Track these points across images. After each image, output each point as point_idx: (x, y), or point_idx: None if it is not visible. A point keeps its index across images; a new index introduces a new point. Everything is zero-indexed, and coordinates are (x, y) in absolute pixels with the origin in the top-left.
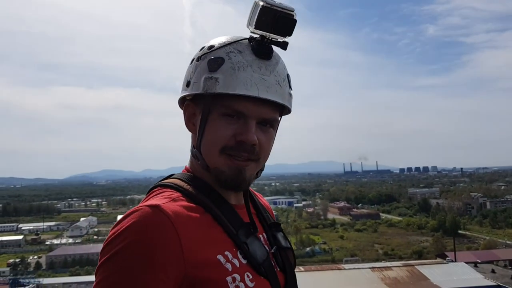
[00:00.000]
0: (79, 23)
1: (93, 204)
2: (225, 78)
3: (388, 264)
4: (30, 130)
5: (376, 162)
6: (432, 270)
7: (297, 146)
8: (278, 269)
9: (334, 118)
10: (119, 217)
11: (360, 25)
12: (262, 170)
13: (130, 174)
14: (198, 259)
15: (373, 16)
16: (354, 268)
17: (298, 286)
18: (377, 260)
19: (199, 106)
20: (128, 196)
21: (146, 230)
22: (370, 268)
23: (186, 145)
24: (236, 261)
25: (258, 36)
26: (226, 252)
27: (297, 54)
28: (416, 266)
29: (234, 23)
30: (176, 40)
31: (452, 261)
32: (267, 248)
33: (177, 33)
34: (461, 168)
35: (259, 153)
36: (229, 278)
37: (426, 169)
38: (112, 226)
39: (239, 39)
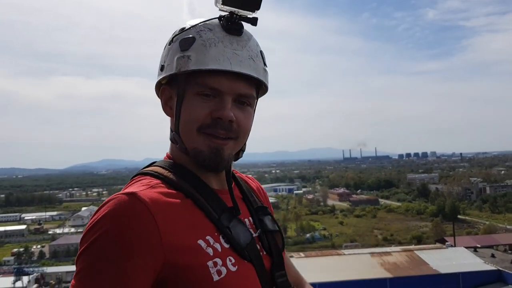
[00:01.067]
0: (78, 12)
1: (94, 194)
2: (197, 55)
3: (387, 249)
4: (30, 120)
5: (375, 148)
6: (431, 255)
7: (297, 133)
8: (264, 253)
9: (333, 105)
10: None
11: (359, 10)
12: (243, 151)
13: (131, 163)
14: (177, 244)
15: (372, 0)
16: (353, 254)
17: (299, 271)
18: (376, 246)
19: (174, 89)
20: None
21: (122, 218)
22: (369, 253)
23: None
24: (218, 246)
25: (227, 13)
26: (208, 237)
27: (297, 42)
28: (415, 251)
29: None
30: (175, 28)
31: (451, 246)
32: (252, 231)
33: (176, 21)
34: (461, 153)
35: (238, 131)
36: (210, 263)
37: (425, 154)
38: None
39: (209, 19)
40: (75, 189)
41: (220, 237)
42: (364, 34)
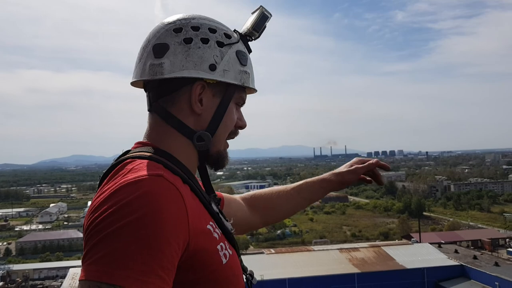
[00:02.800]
0: (47, 5)
1: (63, 190)
2: (251, 74)
3: (355, 245)
4: None
5: (345, 146)
6: (397, 251)
7: (269, 131)
8: None
9: (305, 103)
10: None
11: (331, 10)
12: None
13: (101, 159)
14: (198, 228)
15: (344, 1)
16: (323, 250)
17: (271, 267)
18: (345, 242)
19: (218, 92)
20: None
21: (160, 200)
22: (338, 249)
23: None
24: (218, 231)
25: (249, 36)
26: (211, 222)
27: (271, 40)
28: (382, 247)
29: (205, 5)
30: (147, 23)
31: (417, 242)
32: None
33: (148, 16)
34: (427, 152)
35: None
36: (218, 247)
37: (392, 153)
38: (99, 200)
39: (234, 34)
40: (43, 185)
41: (215, 223)
42: (336, 34)
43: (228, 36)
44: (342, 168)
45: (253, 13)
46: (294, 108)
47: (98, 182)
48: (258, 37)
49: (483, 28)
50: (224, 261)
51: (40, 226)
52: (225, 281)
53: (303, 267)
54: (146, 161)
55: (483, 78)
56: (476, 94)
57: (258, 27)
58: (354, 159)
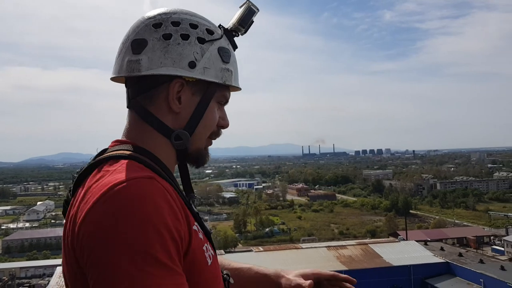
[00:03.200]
0: (36, 1)
1: (50, 188)
2: (234, 72)
3: (343, 243)
4: None
5: (333, 145)
6: (384, 248)
7: (258, 129)
8: None
9: (294, 102)
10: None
11: (320, 9)
12: None
13: (89, 157)
14: (188, 229)
15: (333, 0)
16: (311, 247)
17: (259, 265)
18: (332, 239)
19: (198, 90)
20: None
21: (157, 203)
22: (326, 247)
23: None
24: (201, 231)
25: (235, 31)
26: (196, 223)
27: (260, 38)
28: (369, 245)
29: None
30: (135, 20)
31: (403, 239)
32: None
33: (137, 13)
34: (413, 151)
35: None
36: (204, 247)
37: (380, 151)
38: (90, 207)
39: (218, 29)
40: (30, 183)
41: (198, 224)
42: (325, 33)
43: (210, 32)
44: (290, 275)
45: (240, 7)
46: (283, 106)
47: (72, 183)
48: (245, 32)
49: (469, 28)
50: (209, 262)
51: (27, 224)
52: (208, 282)
53: (291, 265)
54: (131, 161)
55: (469, 78)
56: (463, 94)
57: (244, 22)
58: (312, 272)
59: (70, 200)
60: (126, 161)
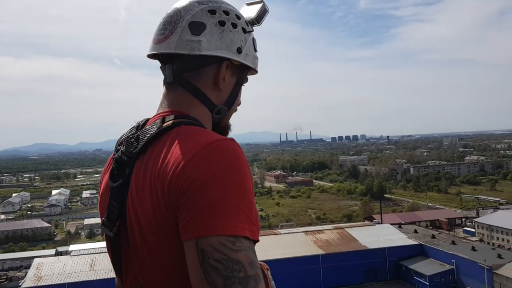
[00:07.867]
0: None
1: (25, 179)
2: (257, 58)
3: (320, 227)
4: None
5: (310, 131)
6: (360, 232)
7: (235, 117)
8: None
9: (271, 89)
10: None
11: None
12: None
13: (64, 147)
14: None
15: None
16: (289, 233)
17: None
18: (310, 225)
19: (235, 72)
20: (63, 170)
21: (245, 162)
22: (304, 232)
23: (121, 118)
24: None
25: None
26: None
27: None
28: (346, 229)
29: None
30: (111, 8)
31: (378, 223)
32: None
33: (112, 1)
34: (388, 136)
35: None
36: None
37: (355, 137)
38: (190, 158)
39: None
40: (5, 174)
41: None
42: (301, 21)
43: (247, 24)
44: None
45: (248, 4)
46: (260, 94)
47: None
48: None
49: (442, 15)
50: None
51: (3, 217)
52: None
53: (270, 251)
54: (201, 128)
55: (441, 64)
56: (435, 80)
57: (260, 19)
58: None
59: (127, 161)
60: (193, 127)
